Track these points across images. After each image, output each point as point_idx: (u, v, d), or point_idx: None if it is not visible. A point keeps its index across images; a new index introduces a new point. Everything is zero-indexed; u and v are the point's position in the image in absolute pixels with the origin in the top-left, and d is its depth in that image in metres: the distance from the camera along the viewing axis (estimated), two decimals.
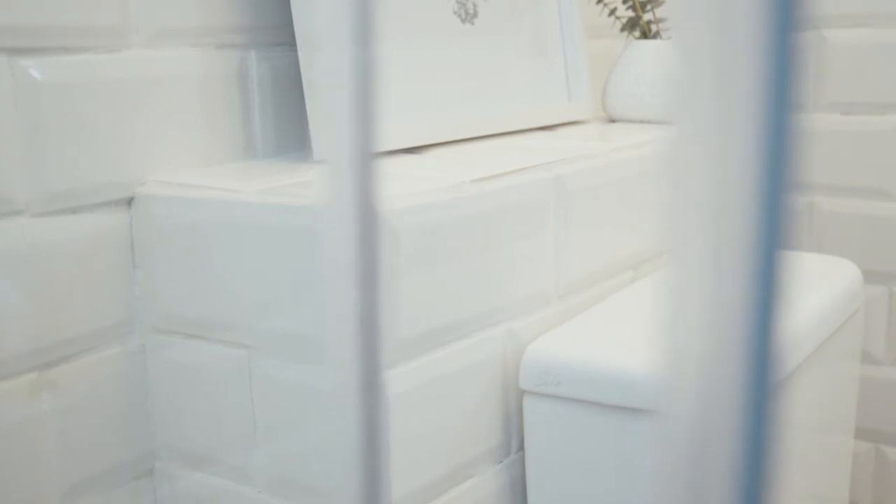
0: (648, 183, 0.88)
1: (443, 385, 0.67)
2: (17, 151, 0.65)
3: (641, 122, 1.07)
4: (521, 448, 0.75)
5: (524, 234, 0.74)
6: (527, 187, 0.74)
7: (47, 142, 0.66)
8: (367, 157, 0.21)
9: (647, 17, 1.09)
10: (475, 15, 0.90)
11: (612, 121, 1.10)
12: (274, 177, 0.72)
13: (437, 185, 0.67)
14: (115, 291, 0.72)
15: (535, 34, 0.99)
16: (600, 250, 0.83)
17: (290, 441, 0.68)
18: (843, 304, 0.87)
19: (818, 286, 0.87)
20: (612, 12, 1.12)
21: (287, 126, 0.83)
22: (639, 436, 0.67)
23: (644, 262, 0.91)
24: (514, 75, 0.96)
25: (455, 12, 0.89)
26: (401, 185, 0.67)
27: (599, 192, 0.82)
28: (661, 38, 1.08)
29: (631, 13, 1.15)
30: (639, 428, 0.66)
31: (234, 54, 0.78)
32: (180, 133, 0.75)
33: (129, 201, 0.72)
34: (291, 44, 0.80)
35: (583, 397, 0.69)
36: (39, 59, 0.66)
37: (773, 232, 0.16)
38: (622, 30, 1.10)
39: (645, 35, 1.09)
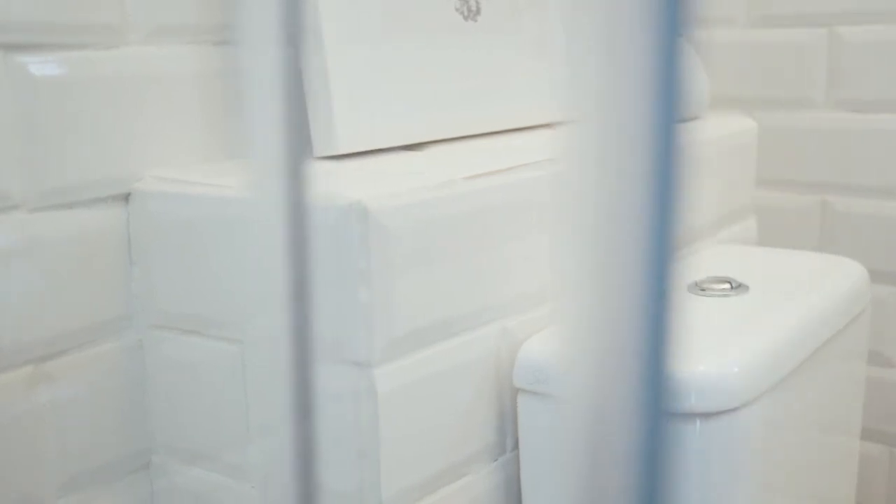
0: None
1: (436, 383, 0.67)
2: (14, 147, 0.66)
3: None
4: (516, 446, 0.75)
5: (520, 232, 0.73)
6: (522, 185, 0.73)
7: (44, 138, 0.67)
8: (295, 159, 0.21)
9: None
10: (478, 12, 0.90)
11: None
12: None
13: (429, 183, 0.66)
14: (112, 287, 0.72)
15: (538, 31, 0.99)
16: None
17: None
18: (847, 304, 0.85)
19: (821, 286, 0.86)
20: None
21: None
22: None
23: None
24: (517, 72, 0.96)
25: (457, 9, 0.88)
26: (394, 182, 0.67)
27: None
28: None
29: None
30: None
31: (232, 51, 0.78)
32: (178, 130, 0.75)
33: (126, 197, 0.72)
34: None
35: None
36: (37, 56, 0.66)
37: (663, 229, 0.15)
38: None
39: None
